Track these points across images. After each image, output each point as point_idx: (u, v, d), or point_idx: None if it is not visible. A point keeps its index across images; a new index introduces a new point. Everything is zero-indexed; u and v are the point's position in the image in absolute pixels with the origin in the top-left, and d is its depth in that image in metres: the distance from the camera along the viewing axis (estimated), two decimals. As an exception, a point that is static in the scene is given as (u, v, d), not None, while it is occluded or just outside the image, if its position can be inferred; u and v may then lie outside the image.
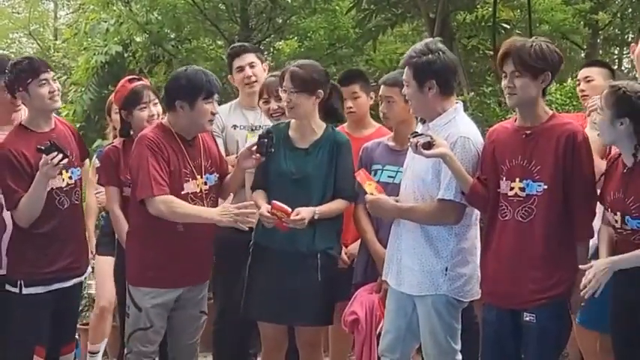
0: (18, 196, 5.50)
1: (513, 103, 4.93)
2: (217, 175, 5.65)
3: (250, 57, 6.63)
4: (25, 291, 5.61)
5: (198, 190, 5.50)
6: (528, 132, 4.85)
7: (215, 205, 5.59)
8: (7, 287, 5.68)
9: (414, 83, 5.05)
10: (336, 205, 5.51)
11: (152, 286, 5.47)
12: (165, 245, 5.43)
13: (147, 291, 5.48)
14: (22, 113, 5.99)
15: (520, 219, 4.81)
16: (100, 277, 7.07)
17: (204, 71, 5.59)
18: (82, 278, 5.83)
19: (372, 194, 5.18)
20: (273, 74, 6.30)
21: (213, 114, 5.52)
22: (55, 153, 5.39)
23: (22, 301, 5.64)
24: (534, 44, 4.78)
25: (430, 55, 5.01)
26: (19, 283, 5.62)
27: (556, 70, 4.85)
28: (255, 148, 5.50)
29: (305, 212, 5.34)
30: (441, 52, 5.03)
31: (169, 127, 5.53)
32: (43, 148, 5.39)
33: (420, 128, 5.15)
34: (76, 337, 6.72)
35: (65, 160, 5.44)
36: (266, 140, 5.47)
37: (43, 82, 5.58)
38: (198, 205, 5.47)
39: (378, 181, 5.43)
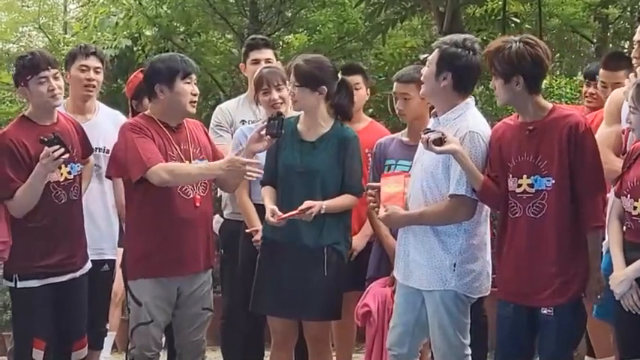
0: (15, 186, 5.51)
1: (498, 103, 5.20)
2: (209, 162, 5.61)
3: (269, 53, 6.67)
4: (19, 284, 5.64)
5: None
6: (531, 128, 4.86)
7: (206, 191, 5.59)
8: (5, 282, 5.72)
9: (434, 68, 5.07)
10: (343, 200, 5.52)
11: (147, 276, 5.47)
12: (158, 234, 5.44)
13: (144, 283, 5.48)
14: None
15: (532, 215, 4.82)
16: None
17: (179, 55, 5.71)
18: (78, 274, 5.79)
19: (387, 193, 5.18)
20: (267, 65, 6.32)
21: (194, 94, 5.53)
22: (57, 147, 5.40)
23: (18, 295, 5.70)
24: (508, 47, 4.82)
25: (460, 50, 5.02)
26: (13, 277, 5.64)
27: (530, 73, 4.84)
28: (264, 130, 5.48)
29: (314, 205, 5.37)
30: (471, 52, 5.03)
31: (151, 116, 5.56)
32: (45, 140, 5.41)
33: (431, 123, 5.15)
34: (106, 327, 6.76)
35: (66, 155, 5.46)
36: (276, 122, 5.44)
37: (43, 79, 5.59)
38: (188, 189, 5.48)
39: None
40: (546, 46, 4.97)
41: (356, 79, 6.36)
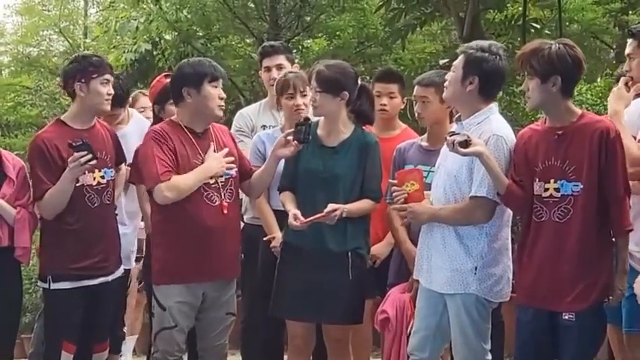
0: (45, 188, 5.58)
1: (528, 106, 5.12)
2: (234, 170, 5.61)
3: (279, 59, 6.62)
4: (53, 286, 5.68)
5: (211, 182, 5.48)
6: (560, 132, 4.85)
7: (233, 197, 5.59)
8: (39, 283, 5.76)
9: (461, 72, 5.08)
10: (363, 204, 5.52)
11: (174, 282, 5.47)
12: (185, 241, 5.43)
13: (170, 288, 5.48)
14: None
15: (557, 219, 4.81)
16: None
17: (207, 59, 5.69)
18: (109, 278, 5.84)
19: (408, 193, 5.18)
20: (292, 71, 6.31)
21: (221, 98, 5.55)
22: (85, 152, 5.44)
23: (51, 297, 5.73)
24: (547, 48, 4.83)
25: (487, 54, 5.04)
26: (48, 278, 5.68)
27: (569, 74, 4.85)
28: (291, 136, 5.48)
29: (338, 208, 5.37)
30: (497, 57, 5.06)
31: (178, 122, 5.56)
32: (74, 144, 5.46)
33: (454, 127, 5.16)
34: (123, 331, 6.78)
35: (93, 162, 5.51)
36: (304, 127, 5.44)
37: (105, 81, 5.70)
38: (214, 196, 5.48)
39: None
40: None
41: (391, 87, 6.31)
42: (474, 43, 5.17)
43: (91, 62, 5.72)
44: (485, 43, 5.15)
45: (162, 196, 5.36)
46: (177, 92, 5.55)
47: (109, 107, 5.80)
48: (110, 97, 5.74)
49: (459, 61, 5.11)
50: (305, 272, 5.49)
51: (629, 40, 5.60)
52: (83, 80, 5.68)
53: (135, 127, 6.58)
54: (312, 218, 5.37)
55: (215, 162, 5.45)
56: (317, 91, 5.54)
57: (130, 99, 7.17)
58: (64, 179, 5.54)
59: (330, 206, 5.36)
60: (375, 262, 5.94)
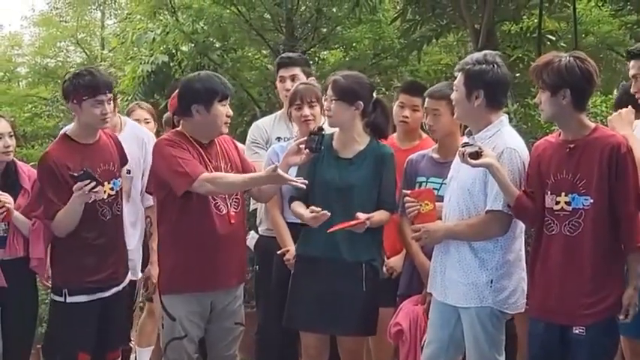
0: (56, 208, 5.59)
1: (542, 118, 5.20)
2: None
3: (295, 70, 6.62)
4: (69, 300, 5.69)
5: None
6: (572, 145, 4.85)
7: (239, 206, 5.59)
8: (53, 297, 5.77)
9: (463, 89, 5.08)
10: (382, 216, 5.53)
11: (183, 292, 5.49)
12: (193, 250, 5.44)
13: (178, 298, 5.50)
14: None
15: (567, 233, 4.81)
16: None
17: (217, 75, 5.67)
18: (120, 288, 5.87)
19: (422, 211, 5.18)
20: (303, 82, 6.31)
21: (228, 116, 5.54)
22: (88, 181, 5.45)
23: (66, 310, 5.73)
24: (558, 60, 4.83)
25: (484, 65, 5.04)
26: (63, 291, 5.70)
27: (578, 87, 4.83)
28: (304, 144, 5.49)
29: (369, 217, 5.38)
30: (495, 65, 5.06)
31: (184, 132, 5.56)
32: (75, 175, 5.46)
33: (465, 139, 5.15)
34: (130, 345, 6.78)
35: (98, 188, 5.49)
36: (317, 137, 5.45)
37: (98, 103, 5.61)
38: (221, 205, 5.49)
39: None
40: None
41: (415, 101, 6.20)
42: (468, 58, 5.17)
43: (82, 84, 5.61)
44: (479, 54, 5.14)
45: (207, 188, 5.33)
46: (185, 108, 5.52)
47: (106, 124, 5.74)
48: (106, 115, 5.63)
49: (459, 80, 5.11)
50: (319, 283, 5.50)
51: (632, 62, 5.59)
52: (75, 101, 5.64)
53: (130, 132, 6.58)
54: (343, 225, 5.36)
55: (277, 175, 5.27)
56: (332, 100, 5.55)
57: (126, 111, 7.20)
58: (73, 202, 5.53)
59: (362, 216, 5.36)
60: (392, 274, 5.95)
